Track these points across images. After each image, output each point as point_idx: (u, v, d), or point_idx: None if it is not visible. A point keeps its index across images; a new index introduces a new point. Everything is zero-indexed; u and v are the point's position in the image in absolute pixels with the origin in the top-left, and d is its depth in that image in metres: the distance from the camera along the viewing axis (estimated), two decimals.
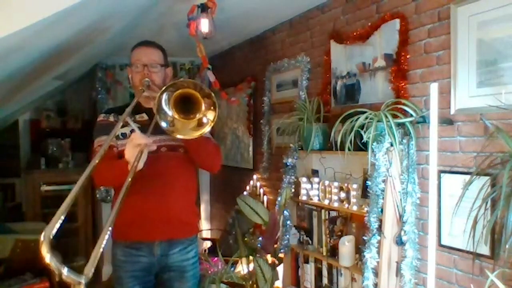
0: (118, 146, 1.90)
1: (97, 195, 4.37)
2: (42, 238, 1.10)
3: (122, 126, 1.88)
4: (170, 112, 1.65)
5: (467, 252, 1.85)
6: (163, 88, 1.64)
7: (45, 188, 4.76)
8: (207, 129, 1.68)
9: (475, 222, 1.65)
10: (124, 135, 1.91)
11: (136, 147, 1.64)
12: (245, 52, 4.16)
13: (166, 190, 1.91)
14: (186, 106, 1.67)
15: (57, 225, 1.16)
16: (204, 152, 1.91)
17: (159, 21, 3.27)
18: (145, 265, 1.94)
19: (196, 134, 1.68)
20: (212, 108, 1.67)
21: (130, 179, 1.53)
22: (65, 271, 1.06)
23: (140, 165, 1.62)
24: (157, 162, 1.87)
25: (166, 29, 3.50)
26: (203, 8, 2.76)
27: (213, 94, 1.66)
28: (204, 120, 1.68)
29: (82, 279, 1.05)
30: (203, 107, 1.66)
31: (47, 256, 1.08)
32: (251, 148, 4.06)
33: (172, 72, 2.05)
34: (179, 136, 1.70)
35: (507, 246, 1.52)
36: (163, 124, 1.65)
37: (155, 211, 1.89)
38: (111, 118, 1.95)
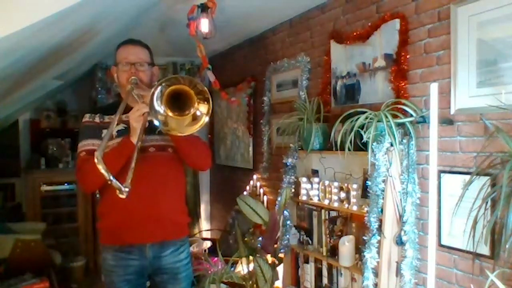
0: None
1: (97, 195, 4.37)
2: (96, 160, 1.50)
3: (108, 127, 1.88)
4: (162, 109, 1.64)
5: (467, 252, 1.85)
6: (157, 83, 1.64)
7: (45, 188, 4.76)
8: (203, 121, 1.67)
9: (475, 222, 1.65)
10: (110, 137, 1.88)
11: (141, 116, 1.68)
12: (245, 52, 4.16)
13: (156, 191, 1.88)
14: (178, 103, 1.66)
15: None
16: (194, 151, 1.90)
17: (159, 21, 3.27)
18: (137, 269, 1.91)
19: (193, 129, 1.68)
20: (204, 101, 1.66)
21: (138, 146, 1.64)
22: (111, 178, 1.51)
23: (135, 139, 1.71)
24: (146, 162, 1.84)
25: (166, 29, 3.50)
26: (203, 8, 2.76)
27: (207, 91, 1.66)
28: (198, 113, 1.67)
29: (123, 187, 1.51)
30: (195, 102, 1.65)
31: (101, 168, 1.50)
32: (251, 148, 4.06)
33: (158, 71, 2.02)
34: (177, 134, 1.70)
35: (507, 246, 1.52)
36: (156, 123, 1.65)
37: (146, 212, 1.86)
38: (97, 119, 1.91)
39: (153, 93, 1.63)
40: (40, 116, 5.05)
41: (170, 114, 1.65)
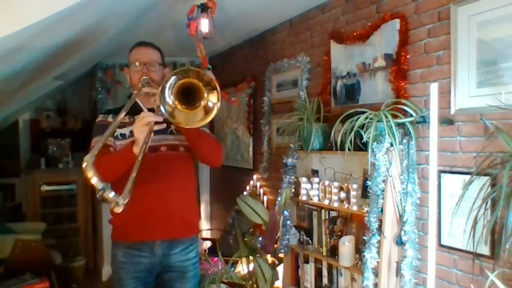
0: (116, 146, 1.89)
1: (97, 195, 4.37)
2: (84, 164, 1.38)
3: (122, 127, 1.90)
4: (171, 100, 1.65)
5: (467, 252, 1.85)
6: (170, 75, 1.65)
7: (45, 188, 4.77)
8: (216, 111, 1.67)
9: (475, 222, 1.65)
10: (124, 136, 1.90)
11: (146, 125, 1.67)
12: (245, 52, 4.16)
13: (167, 189, 1.91)
14: (188, 96, 1.67)
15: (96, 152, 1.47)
16: (207, 147, 1.92)
17: (159, 21, 3.27)
18: (146, 266, 1.93)
19: (204, 122, 1.68)
20: (213, 90, 1.67)
21: (140, 159, 1.57)
22: (108, 192, 1.39)
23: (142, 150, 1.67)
24: (157, 162, 1.89)
25: (166, 29, 3.50)
26: (203, 8, 2.76)
27: (213, 79, 1.67)
28: (210, 104, 1.67)
29: (121, 199, 1.39)
30: (204, 93, 1.66)
31: (93, 178, 1.39)
32: (251, 148, 4.06)
33: (169, 72, 2.04)
34: (184, 126, 1.70)
35: (507, 246, 1.52)
36: (162, 110, 1.64)
37: (157, 210, 1.89)
38: (110, 119, 1.95)
39: (165, 83, 1.64)
40: (40, 116, 5.06)
41: (179, 107, 1.66)
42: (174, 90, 1.64)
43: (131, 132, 1.87)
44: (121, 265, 1.94)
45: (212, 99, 1.67)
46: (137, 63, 1.91)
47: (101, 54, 4.05)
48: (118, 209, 1.41)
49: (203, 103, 1.67)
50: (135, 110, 1.83)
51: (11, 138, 5.00)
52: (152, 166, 1.86)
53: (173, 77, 1.64)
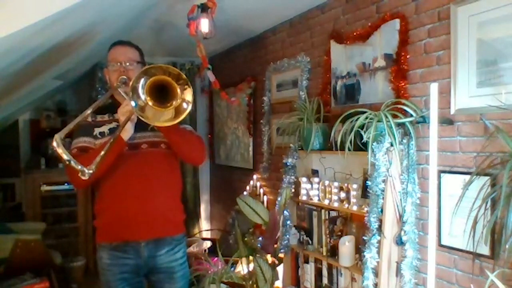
0: (96, 146, 1.88)
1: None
2: (54, 143, 1.44)
3: (101, 125, 1.92)
4: (143, 97, 1.65)
5: (467, 252, 1.85)
6: (137, 75, 1.66)
7: (45, 188, 4.76)
8: (187, 113, 1.68)
9: (475, 222, 1.65)
10: (102, 134, 1.90)
11: (128, 111, 1.73)
12: (245, 52, 4.16)
13: (149, 188, 1.89)
14: (162, 94, 1.67)
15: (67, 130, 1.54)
16: (186, 144, 1.91)
17: (159, 21, 3.27)
18: (132, 268, 1.92)
19: (173, 122, 1.69)
20: (186, 85, 1.66)
21: (116, 137, 1.66)
22: (72, 161, 1.44)
23: (126, 136, 1.76)
24: (138, 159, 1.88)
25: (166, 29, 3.50)
26: (203, 8, 2.76)
27: (182, 74, 1.67)
28: (184, 105, 1.67)
29: (86, 169, 1.45)
30: (177, 90, 1.66)
31: (63, 154, 1.43)
32: (251, 148, 4.06)
33: None
34: (151, 123, 1.72)
35: (507, 246, 1.52)
36: (133, 104, 1.66)
37: (139, 209, 1.87)
38: (89, 118, 1.94)
39: (134, 83, 1.65)
40: (40, 116, 5.05)
41: (150, 103, 1.66)
42: (146, 88, 1.65)
43: (110, 130, 1.90)
44: (107, 267, 1.92)
45: (187, 98, 1.66)
46: (114, 63, 1.91)
47: (101, 54, 4.05)
48: (84, 177, 1.47)
49: (175, 103, 1.66)
50: (113, 108, 1.85)
51: (11, 138, 4.99)
52: (134, 164, 1.86)
53: (142, 78, 1.64)
